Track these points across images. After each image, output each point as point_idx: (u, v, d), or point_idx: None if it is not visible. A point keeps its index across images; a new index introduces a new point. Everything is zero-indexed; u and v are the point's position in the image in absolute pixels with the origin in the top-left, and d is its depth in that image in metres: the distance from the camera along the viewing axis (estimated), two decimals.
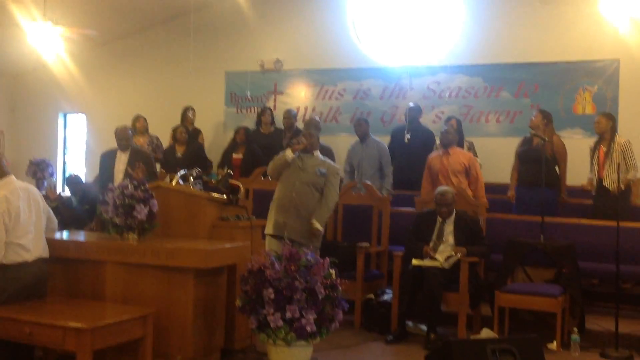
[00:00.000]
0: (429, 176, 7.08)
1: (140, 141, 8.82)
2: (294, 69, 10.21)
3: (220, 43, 10.50)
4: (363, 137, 7.96)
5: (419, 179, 7.34)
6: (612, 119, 7.01)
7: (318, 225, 5.71)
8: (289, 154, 5.73)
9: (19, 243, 4.26)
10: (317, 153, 5.91)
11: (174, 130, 9.03)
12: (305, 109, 10.07)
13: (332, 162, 6.02)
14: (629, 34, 8.10)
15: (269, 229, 5.74)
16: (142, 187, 4.60)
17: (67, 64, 10.79)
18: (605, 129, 6.90)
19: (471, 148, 7.96)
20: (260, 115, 9.22)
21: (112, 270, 4.49)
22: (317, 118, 8.49)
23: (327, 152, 7.17)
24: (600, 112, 7.54)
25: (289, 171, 5.78)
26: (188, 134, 9.05)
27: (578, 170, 7.56)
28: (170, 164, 8.54)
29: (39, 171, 10.67)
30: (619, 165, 6.32)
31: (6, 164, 4.45)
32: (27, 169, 10.76)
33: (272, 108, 9.69)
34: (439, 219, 6.00)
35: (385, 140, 8.28)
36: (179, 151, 8.82)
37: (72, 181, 8.33)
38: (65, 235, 5.03)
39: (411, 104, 8.57)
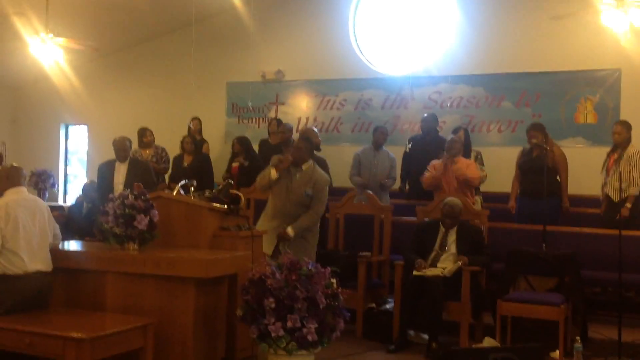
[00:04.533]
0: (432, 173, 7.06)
1: (146, 152, 8.82)
2: (295, 79, 10.23)
3: (222, 54, 10.54)
4: (380, 145, 8.01)
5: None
6: (629, 128, 6.88)
7: (290, 231, 5.60)
8: (273, 174, 5.64)
9: (17, 253, 4.25)
10: (309, 164, 5.78)
11: (182, 141, 9.07)
12: (307, 119, 10.09)
13: (322, 173, 5.89)
14: (630, 43, 8.10)
15: (267, 248, 5.61)
16: (143, 197, 4.60)
17: (68, 76, 10.83)
18: (625, 139, 6.82)
19: (478, 158, 7.87)
20: (269, 126, 9.21)
21: (112, 281, 4.48)
22: (316, 129, 8.44)
23: (321, 164, 7.12)
24: (617, 120, 7.32)
25: (279, 189, 5.70)
26: (195, 144, 9.05)
27: (579, 179, 7.56)
28: (177, 174, 8.54)
29: (41, 182, 10.70)
30: (620, 173, 6.30)
31: (23, 177, 4.49)
32: (29, 179, 10.77)
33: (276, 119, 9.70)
34: (442, 229, 5.99)
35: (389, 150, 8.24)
36: (186, 161, 8.84)
37: (89, 188, 8.35)
38: (65, 245, 5.02)
39: (425, 114, 8.47)
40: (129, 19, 10.13)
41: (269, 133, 9.14)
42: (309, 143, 5.91)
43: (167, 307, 4.36)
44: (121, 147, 7.30)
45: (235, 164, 8.81)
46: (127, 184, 6.78)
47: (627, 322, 5.64)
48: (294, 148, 5.80)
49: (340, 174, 8.13)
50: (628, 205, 6.62)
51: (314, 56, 10.05)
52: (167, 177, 9.03)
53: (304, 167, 5.73)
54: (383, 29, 9.95)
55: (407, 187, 8.31)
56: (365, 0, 10.01)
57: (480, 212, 6.47)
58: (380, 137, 8.05)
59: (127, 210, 4.51)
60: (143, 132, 8.94)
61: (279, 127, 8.77)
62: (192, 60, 9.95)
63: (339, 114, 9.97)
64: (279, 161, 5.67)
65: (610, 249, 5.84)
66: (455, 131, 8.07)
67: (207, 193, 5.45)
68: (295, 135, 8.90)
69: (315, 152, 7.42)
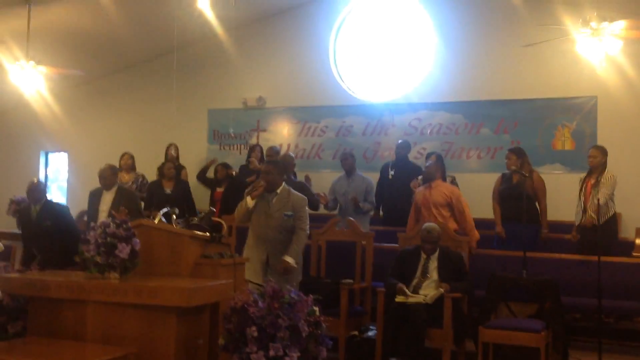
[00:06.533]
0: (414, 212, 7.11)
1: (126, 178, 8.79)
2: (277, 106, 10.29)
3: (203, 81, 10.58)
4: (350, 171, 7.99)
5: (405, 215, 7.39)
6: (605, 153, 6.96)
7: (290, 260, 5.65)
8: (249, 202, 5.64)
9: None
10: (283, 187, 5.79)
11: (161, 167, 9.02)
12: (288, 145, 10.13)
13: (298, 194, 5.90)
14: (606, 71, 8.26)
15: (251, 276, 5.65)
16: (124, 226, 4.57)
17: (49, 103, 10.79)
18: (600, 163, 6.90)
19: (453, 183, 8.00)
20: (250, 152, 9.22)
21: (93, 310, 4.42)
22: (292, 154, 8.50)
23: (302, 186, 7.13)
24: (594, 145, 7.40)
25: (257, 217, 5.70)
26: (175, 170, 9.01)
27: (557, 205, 7.64)
28: (158, 201, 8.49)
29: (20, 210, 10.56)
30: (598, 200, 6.38)
31: None
32: (8, 207, 10.64)
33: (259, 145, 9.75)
34: (423, 255, 6.01)
35: (370, 176, 8.29)
36: (168, 188, 8.77)
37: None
38: (45, 274, 4.97)
39: (400, 141, 8.62)
40: (110, 46, 10.15)
41: (247, 160, 9.13)
42: (278, 165, 5.92)
43: (148, 337, 4.31)
44: (103, 175, 7.25)
45: (219, 189, 8.83)
46: (111, 214, 6.73)
47: (607, 348, 5.68)
48: (264, 173, 5.78)
49: None
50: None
51: (295, 83, 10.12)
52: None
53: (278, 190, 5.74)
54: (363, 56, 10.05)
55: (381, 213, 8.39)
56: (345, 28, 10.13)
57: (462, 239, 6.50)
58: (344, 164, 8.06)
59: (108, 239, 4.48)
60: (122, 156, 8.95)
61: (268, 150, 8.76)
62: (174, 87, 9.97)
63: (320, 140, 10.02)
64: (253, 188, 5.68)
65: (590, 275, 5.90)
66: (428, 156, 8.19)
67: (195, 220, 5.43)
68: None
69: (294, 179, 7.48)
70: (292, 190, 5.91)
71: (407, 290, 5.77)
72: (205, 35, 10.12)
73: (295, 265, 5.74)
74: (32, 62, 8.54)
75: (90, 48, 10.00)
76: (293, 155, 8.16)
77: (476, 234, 6.66)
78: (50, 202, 7.29)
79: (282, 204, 5.71)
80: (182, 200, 8.32)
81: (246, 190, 5.80)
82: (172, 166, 8.97)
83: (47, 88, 9.78)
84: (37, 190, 7.06)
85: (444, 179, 7.68)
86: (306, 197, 5.96)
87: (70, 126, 11.23)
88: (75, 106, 11.26)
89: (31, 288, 4.52)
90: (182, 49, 10.25)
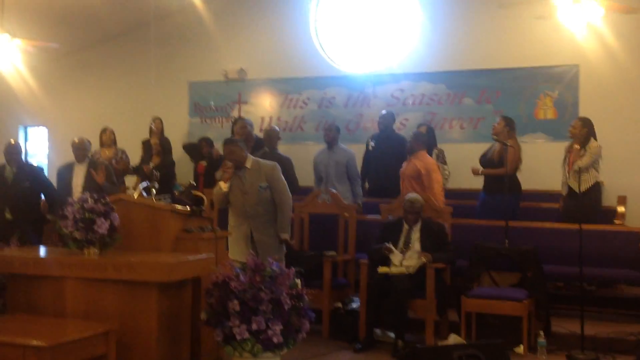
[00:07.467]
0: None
1: (106, 153, 8.69)
2: (258, 78, 10.17)
3: (183, 53, 10.44)
4: (331, 143, 7.89)
5: (391, 186, 7.37)
6: (587, 124, 6.88)
7: (284, 235, 5.66)
8: (223, 187, 5.58)
9: None
10: (251, 160, 5.73)
11: (146, 142, 8.91)
12: (270, 118, 10.05)
13: (267, 162, 5.84)
14: (587, 39, 8.23)
15: (237, 255, 5.56)
16: (103, 201, 4.52)
17: (26, 77, 10.61)
18: (578, 134, 6.85)
19: (440, 156, 7.93)
20: (233, 125, 9.11)
21: (72, 286, 4.39)
22: (277, 128, 8.40)
23: (286, 163, 7.05)
24: (579, 117, 7.33)
25: (235, 196, 5.65)
26: (162, 146, 8.89)
27: (540, 174, 7.67)
28: (141, 177, 8.42)
29: None
30: (580, 168, 6.39)
31: None
32: None
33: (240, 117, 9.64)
34: (406, 226, 6.02)
35: (353, 148, 8.24)
36: (153, 162, 8.68)
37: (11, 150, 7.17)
38: (24, 251, 4.92)
39: (383, 112, 8.53)
40: (87, 18, 9.96)
41: (232, 133, 9.05)
42: (237, 142, 5.83)
43: (129, 313, 4.29)
44: (79, 147, 7.16)
45: (202, 163, 8.77)
46: (87, 186, 6.68)
47: (589, 315, 5.72)
48: (227, 154, 5.69)
49: (305, 173, 8.09)
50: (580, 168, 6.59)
51: (277, 54, 10.00)
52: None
53: (248, 165, 5.68)
54: (345, 26, 9.95)
55: (367, 184, 8.36)
56: None
57: (443, 209, 6.50)
58: (326, 135, 7.95)
59: (86, 215, 4.42)
60: (103, 131, 8.82)
61: (237, 124, 8.69)
62: (152, 59, 9.83)
63: (302, 112, 9.94)
64: (224, 172, 5.62)
65: (571, 243, 5.90)
66: (418, 126, 8.15)
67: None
68: (259, 134, 8.88)
69: (277, 152, 7.42)
70: (261, 160, 5.85)
71: (393, 248, 5.77)
72: (183, 6, 9.96)
73: (289, 239, 5.73)
74: (7, 35, 8.37)
75: (67, 20, 9.81)
76: (278, 130, 8.08)
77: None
78: (26, 163, 7.49)
79: (255, 177, 5.65)
80: (163, 176, 8.23)
81: (217, 175, 5.76)
82: (158, 142, 8.85)
83: (23, 62, 9.62)
84: (15, 151, 7.21)
85: (430, 152, 7.65)
86: (275, 163, 5.88)
87: (49, 100, 11.07)
88: (53, 80, 11.09)
89: (10, 265, 4.49)
90: (160, 20, 10.08)
